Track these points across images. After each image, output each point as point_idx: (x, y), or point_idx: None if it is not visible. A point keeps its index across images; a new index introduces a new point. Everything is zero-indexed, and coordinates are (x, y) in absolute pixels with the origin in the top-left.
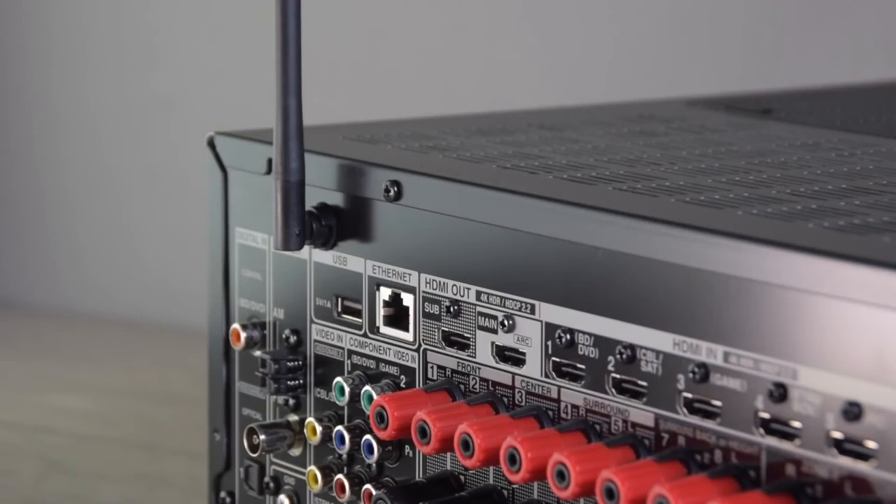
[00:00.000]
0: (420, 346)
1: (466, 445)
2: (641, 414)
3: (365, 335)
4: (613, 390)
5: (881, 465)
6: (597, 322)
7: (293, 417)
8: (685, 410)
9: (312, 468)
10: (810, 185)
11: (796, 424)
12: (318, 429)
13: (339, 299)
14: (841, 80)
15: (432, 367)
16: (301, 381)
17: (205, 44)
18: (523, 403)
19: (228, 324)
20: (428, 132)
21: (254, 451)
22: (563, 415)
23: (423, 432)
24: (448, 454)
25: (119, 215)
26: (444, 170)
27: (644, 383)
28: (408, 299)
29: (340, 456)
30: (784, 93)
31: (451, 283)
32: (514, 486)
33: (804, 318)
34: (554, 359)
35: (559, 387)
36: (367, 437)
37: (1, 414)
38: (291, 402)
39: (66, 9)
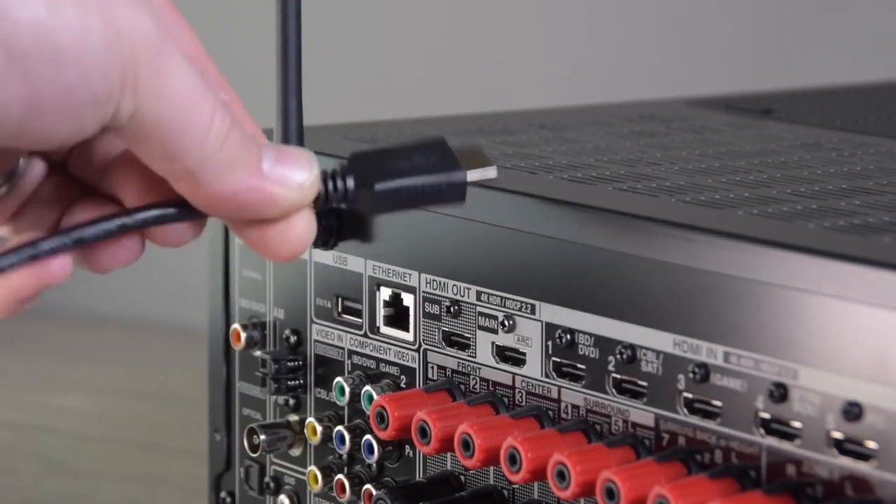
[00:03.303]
0: (420, 346)
1: (467, 445)
2: (642, 414)
3: (365, 335)
4: (614, 390)
5: (881, 466)
6: (597, 322)
7: (293, 417)
8: (685, 410)
9: (313, 468)
10: (810, 185)
11: (797, 424)
12: (319, 429)
13: (340, 299)
14: (841, 80)
15: (432, 367)
16: (301, 381)
17: (204, 44)
18: (523, 403)
19: (228, 324)
20: (428, 132)
21: (254, 451)
22: (563, 415)
23: (424, 432)
24: (448, 454)
25: None
26: None
27: (644, 383)
28: (408, 299)
29: (341, 456)
30: (784, 93)
31: (451, 283)
32: (515, 486)
33: (805, 319)
34: (554, 359)
35: (559, 387)
36: (368, 437)
37: (1, 414)
38: (292, 402)
39: None
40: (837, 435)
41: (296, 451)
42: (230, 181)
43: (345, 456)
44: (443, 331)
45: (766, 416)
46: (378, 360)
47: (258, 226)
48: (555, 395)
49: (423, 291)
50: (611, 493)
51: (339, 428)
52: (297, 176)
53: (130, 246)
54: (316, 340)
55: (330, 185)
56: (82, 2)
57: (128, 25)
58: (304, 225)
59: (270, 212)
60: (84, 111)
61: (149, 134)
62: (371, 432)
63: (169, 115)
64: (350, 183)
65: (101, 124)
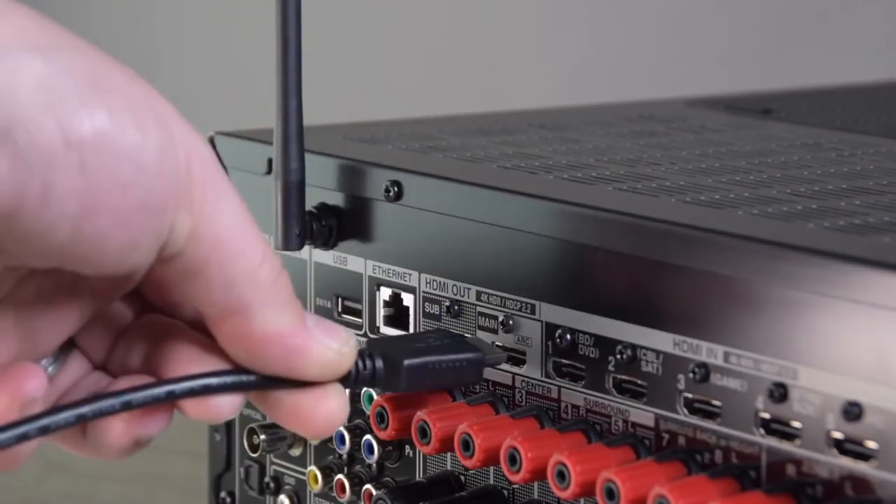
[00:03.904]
0: None
1: (467, 445)
2: (642, 414)
3: (365, 335)
4: (614, 390)
5: (881, 466)
6: (597, 322)
7: None
8: (685, 410)
9: (313, 468)
10: (810, 185)
11: (796, 424)
12: None
13: (340, 299)
14: (841, 80)
15: None
16: None
17: (205, 44)
18: (524, 403)
19: None
20: (428, 132)
21: (254, 451)
22: (563, 415)
23: (424, 432)
24: (448, 454)
25: None
26: (445, 170)
27: (644, 383)
28: (408, 299)
29: (341, 456)
30: (784, 93)
31: (451, 283)
32: (515, 486)
33: (804, 319)
34: (554, 359)
35: (559, 387)
36: (368, 437)
37: None
38: None
39: (66, 11)
40: (837, 435)
41: (296, 451)
42: (281, 320)
43: (345, 456)
44: None
45: (766, 416)
46: None
47: (292, 395)
48: (555, 395)
49: (423, 291)
50: (611, 493)
51: (339, 428)
52: (336, 339)
53: (160, 418)
54: None
55: (359, 363)
56: (139, 106)
57: (182, 136)
58: (338, 401)
59: (311, 366)
60: (140, 218)
61: (206, 257)
62: (371, 432)
63: (225, 235)
64: (379, 363)
65: (157, 244)
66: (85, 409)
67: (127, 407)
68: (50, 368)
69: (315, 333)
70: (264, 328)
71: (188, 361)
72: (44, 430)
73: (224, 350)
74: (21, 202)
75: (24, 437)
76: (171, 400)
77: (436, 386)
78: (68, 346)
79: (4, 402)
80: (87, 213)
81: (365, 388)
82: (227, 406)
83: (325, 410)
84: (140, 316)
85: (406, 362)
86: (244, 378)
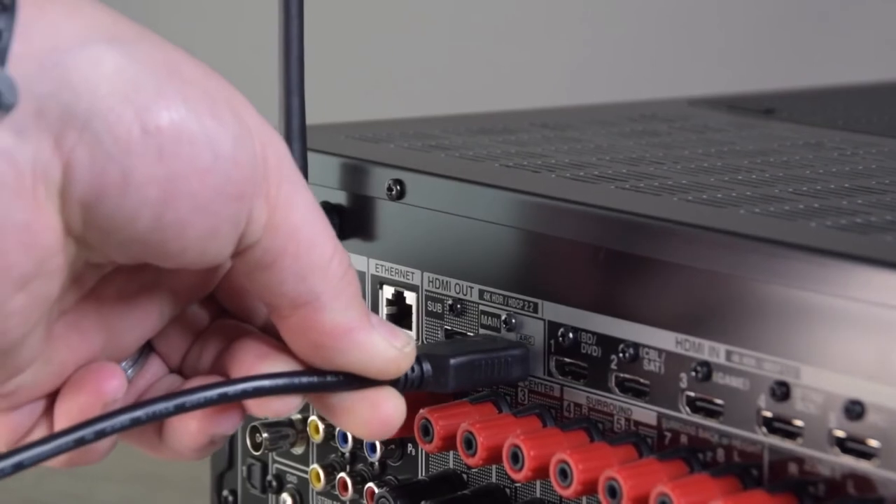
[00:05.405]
0: (423, 344)
1: (469, 444)
2: (644, 412)
3: None
4: (616, 389)
5: (883, 464)
6: (600, 321)
7: (296, 416)
8: (688, 409)
9: (315, 466)
10: (813, 185)
11: (799, 423)
12: (321, 427)
13: None
14: (843, 79)
15: None
16: None
17: (208, 43)
18: (526, 402)
19: None
20: (430, 131)
21: (256, 450)
22: (565, 413)
23: (426, 431)
24: (451, 452)
25: None
26: (447, 169)
27: (647, 382)
28: (411, 298)
29: (343, 454)
30: (786, 92)
31: (453, 281)
32: (517, 484)
33: (807, 317)
34: (557, 357)
35: (562, 385)
36: None
37: None
38: None
39: None
40: (839, 433)
41: (298, 450)
42: (348, 314)
43: (347, 454)
44: (445, 329)
45: (768, 414)
46: None
47: (349, 397)
48: (557, 393)
49: (426, 290)
50: (613, 492)
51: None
52: (398, 339)
53: (233, 415)
54: None
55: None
56: (215, 97)
57: (257, 127)
58: (395, 403)
59: (374, 362)
60: (219, 204)
61: (282, 247)
62: None
63: (300, 225)
64: (427, 366)
65: (236, 232)
66: (139, 413)
67: (181, 409)
68: (129, 371)
69: (380, 330)
70: (333, 320)
71: (256, 362)
72: (100, 434)
73: (289, 345)
74: (102, 190)
75: (80, 441)
76: (225, 402)
77: (483, 383)
78: (147, 349)
79: (87, 402)
80: (168, 200)
81: None
82: (284, 406)
83: (382, 412)
84: (215, 321)
85: (452, 361)
86: (296, 380)
